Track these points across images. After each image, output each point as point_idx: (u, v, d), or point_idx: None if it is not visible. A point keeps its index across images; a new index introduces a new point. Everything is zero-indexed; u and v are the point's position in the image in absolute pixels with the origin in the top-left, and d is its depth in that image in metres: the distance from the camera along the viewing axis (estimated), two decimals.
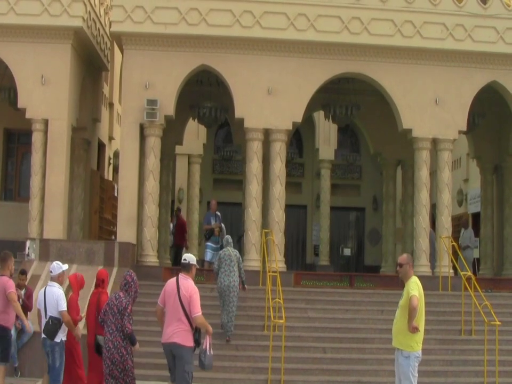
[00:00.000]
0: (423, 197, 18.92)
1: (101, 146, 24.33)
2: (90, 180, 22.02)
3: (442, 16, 18.56)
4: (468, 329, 16.20)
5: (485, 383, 14.64)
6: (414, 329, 9.44)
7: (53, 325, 10.29)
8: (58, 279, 10.64)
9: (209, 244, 19.39)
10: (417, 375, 9.60)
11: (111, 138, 25.55)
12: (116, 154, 24.90)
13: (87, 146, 21.31)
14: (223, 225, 19.57)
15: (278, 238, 18.27)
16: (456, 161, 29.64)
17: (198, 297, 9.26)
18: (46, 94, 18.17)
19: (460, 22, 18.62)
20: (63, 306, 10.34)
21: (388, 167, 24.27)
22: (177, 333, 9.22)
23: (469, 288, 16.14)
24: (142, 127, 18.39)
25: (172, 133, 20.60)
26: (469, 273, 17.11)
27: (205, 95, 20.64)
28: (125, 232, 18.04)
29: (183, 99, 19.31)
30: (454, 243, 18.94)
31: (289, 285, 17.47)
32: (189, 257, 9.62)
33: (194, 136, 26.24)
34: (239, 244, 20.60)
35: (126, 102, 18.48)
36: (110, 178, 26.12)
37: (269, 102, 18.45)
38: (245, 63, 18.37)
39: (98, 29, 20.33)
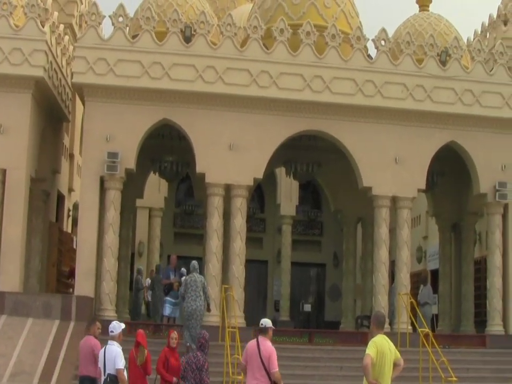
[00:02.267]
0: (382, 254, 19.01)
1: (60, 197, 24.05)
2: (49, 232, 21.68)
3: (403, 77, 18.92)
4: None
5: None
6: None
7: (111, 382, 10.75)
8: (118, 338, 11.13)
9: (168, 298, 19.26)
10: None
11: (70, 190, 25.28)
12: (76, 206, 24.58)
13: (46, 198, 21.06)
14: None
15: (238, 293, 18.20)
16: (415, 219, 29.90)
17: (275, 356, 10.65)
18: (4, 143, 17.93)
19: (419, 82, 19.01)
20: (120, 365, 10.80)
21: (348, 224, 24.40)
22: None
23: (426, 344, 16.20)
24: (102, 180, 18.26)
25: (133, 186, 20.49)
26: (427, 329, 17.12)
27: (167, 149, 20.66)
28: (83, 285, 17.78)
29: (144, 152, 19.26)
30: (412, 300, 19.01)
31: (248, 340, 17.21)
32: (266, 321, 10.90)
33: (156, 189, 26.16)
34: None
35: (87, 154, 18.40)
36: (69, 230, 25.77)
37: (231, 157, 18.51)
38: (206, 118, 18.44)
39: (60, 80, 20.23)
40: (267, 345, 10.73)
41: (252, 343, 10.93)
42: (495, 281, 19.62)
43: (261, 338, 10.86)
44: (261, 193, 28.67)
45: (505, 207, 19.92)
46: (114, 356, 10.78)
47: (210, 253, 18.49)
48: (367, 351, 9.49)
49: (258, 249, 28.03)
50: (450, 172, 22.68)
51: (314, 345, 18.02)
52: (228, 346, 15.48)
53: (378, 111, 18.93)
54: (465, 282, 23.70)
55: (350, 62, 18.74)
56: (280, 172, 25.84)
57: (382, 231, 19.13)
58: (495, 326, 19.57)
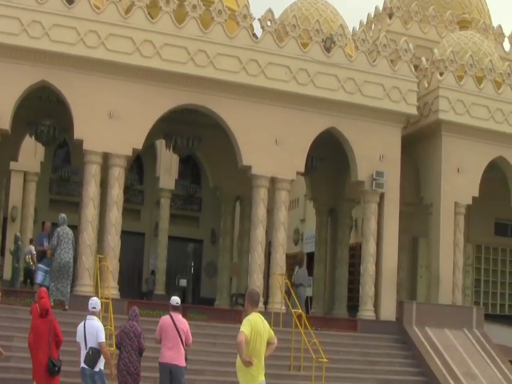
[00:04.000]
0: (259, 234, 19.06)
1: None
2: None
3: (287, 59, 18.93)
4: (297, 365, 16.42)
5: None
6: (247, 363, 9.52)
7: (93, 355, 11.30)
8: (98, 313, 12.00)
9: (40, 265, 18.66)
10: None
11: None
12: None
13: None
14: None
15: (112, 264, 17.78)
16: (294, 201, 30.31)
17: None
18: None
19: (303, 66, 19.07)
20: (103, 338, 11.50)
21: (226, 202, 24.43)
22: (178, 357, 12.03)
23: (299, 325, 16.40)
24: None
25: (7, 148, 19.78)
26: (300, 310, 17.33)
27: (44, 113, 20.02)
28: None
29: (20, 114, 18.49)
30: (287, 280, 19.23)
31: (121, 312, 16.83)
32: (177, 299, 12.48)
33: (32, 153, 25.38)
34: None
35: None
36: None
37: (110, 125, 18.04)
38: (87, 83, 17.85)
39: None
40: (183, 320, 12.29)
41: (166, 318, 12.29)
42: (368, 268, 20.00)
43: (174, 314, 12.29)
44: (141, 165, 28.37)
45: (381, 196, 20.30)
46: (97, 330, 11.45)
47: (85, 222, 18.05)
48: (242, 328, 9.56)
49: (136, 221, 27.76)
50: (329, 158, 23.00)
51: (189, 321, 17.81)
52: (101, 317, 15.16)
53: (261, 91, 18.86)
54: (339, 267, 24.23)
55: (235, 39, 18.55)
56: (161, 144, 25.59)
57: (260, 211, 19.16)
58: (366, 311, 19.98)
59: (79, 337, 11.56)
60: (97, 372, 11.44)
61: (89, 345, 11.39)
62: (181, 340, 12.14)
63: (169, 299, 13.25)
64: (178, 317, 12.27)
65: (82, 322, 11.64)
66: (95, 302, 11.87)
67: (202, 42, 18.24)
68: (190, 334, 12.31)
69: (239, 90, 18.74)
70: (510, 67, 22.22)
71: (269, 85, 18.80)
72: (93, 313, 11.74)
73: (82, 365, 11.42)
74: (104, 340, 11.56)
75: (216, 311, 20.35)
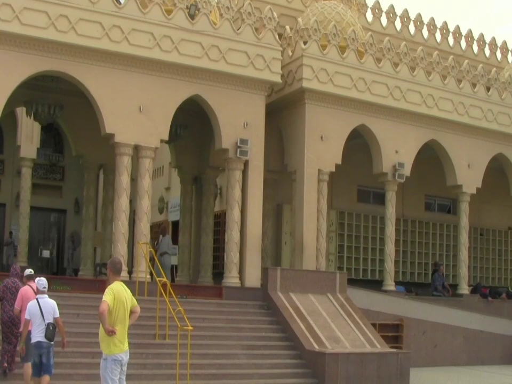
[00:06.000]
0: (122, 203, 18.79)
1: None
2: None
3: (151, 26, 18.59)
4: (162, 334, 16.38)
5: None
6: (110, 332, 9.58)
7: (53, 330, 12.30)
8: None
9: None
10: (116, 377, 9.76)
11: None
12: None
13: None
14: None
15: None
16: (159, 169, 30.24)
17: None
18: None
19: (167, 33, 18.80)
20: (58, 314, 12.51)
21: (90, 170, 24.05)
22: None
23: (164, 294, 16.33)
24: None
25: None
26: (165, 279, 17.31)
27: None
28: None
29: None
30: (151, 249, 19.19)
31: None
32: (31, 270, 13.82)
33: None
34: None
35: None
36: None
37: None
38: None
39: None
40: (50, 302, 12.54)
41: (27, 288, 13.20)
42: (233, 235, 20.13)
43: (31, 282, 13.30)
44: (0, 133, 27.34)
45: (246, 163, 20.38)
46: (53, 306, 12.43)
47: None
48: (104, 297, 9.64)
49: None
50: (194, 125, 23.00)
51: (52, 292, 17.43)
52: None
53: (124, 58, 18.44)
54: (204, 235, 24.40)
55: (98, 4, 17.97)
56: (22, 112, 24.68)
57: (123, 179, 18.87)
58: (231, 278, 20.13)
59: (33, 315, 12.34)
60: (52, 344, 12.41)
61: (47, 321, 12.29)
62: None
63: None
64: (44, 299, 12.49)
65: (35, 301, 12.45)
66: (45, 282, 12.67)
67: (64, 7, 17.54)
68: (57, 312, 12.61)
69: (102, 57, 18.24)
70: (372, 37, 22.82)
71: (133, 51, 18.41)
72: (43, 292, 12.57)
73: (39, 339, 12.26)
74: (59, 315, 12.57)
75: (80, 282, 20.10)
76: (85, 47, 17.98)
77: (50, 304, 12.52)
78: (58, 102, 20.12)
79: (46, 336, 12.31)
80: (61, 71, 18.33)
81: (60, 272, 27.11)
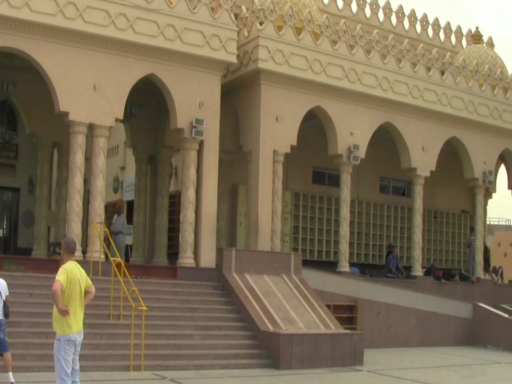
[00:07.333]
0: (77, 182, 18.64)
1: None
2: None
3: (106, 3, 18.35)
4: (117, 314, 16.34)
5: (131, 366, 14.98)
6: (64, 312, 9.53)
7: (8, 307, 12.74)
8: None
9: None
10: (69, 358, 9.67)
11: None
12: None
13: None
14: None
15: None
16: (113, 149, 30.01)
17: None
18: None
19: (122, 11, 18.59)
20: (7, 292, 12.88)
21: (43, 149, 23.81)
22: None
23: (118, 274, 16.30)
24: None
25: None
26: (119, 259, 17.26)
27: None
28: None
29: None
30: (106, 229, 19.09)
31: None
32: None
33: None
34: None
35: None
36: None
37: None
38: None
39: None
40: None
41: None
42: (188, 215, 20.13)
43: None
44: None
45: (201, 143, 20.36)
46: (5, 285, 12.76)
47: None
48: (57, 277, 9.58)
49: None
50: (149, 105, 22.85)
51: (5, 272, 17.35)
52: None
53: (79, 35, 18.21)
54: (159, 215, 24.35)
55: None
56: None
57: (78, 158, 18.70)
58: (186, 259, 20.13)
59: None
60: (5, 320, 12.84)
61: (3, 299, 12.69)
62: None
63: None
64: None
65: None
66: None
67: None
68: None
69: (56, 34, 17.99)
70: (328, 19, 22.87)
71: (87, 29, 18.18)
72: None
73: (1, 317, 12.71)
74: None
75: (33, 261, 19.86)
76: (39, 24, 17.72)
77: (3, 284, 12.85)
78: (11, 78, 19.80)
79: (4, 315, 12.76)
80: (14, 48, 18.03)
81: (13, 251, 26.77)
